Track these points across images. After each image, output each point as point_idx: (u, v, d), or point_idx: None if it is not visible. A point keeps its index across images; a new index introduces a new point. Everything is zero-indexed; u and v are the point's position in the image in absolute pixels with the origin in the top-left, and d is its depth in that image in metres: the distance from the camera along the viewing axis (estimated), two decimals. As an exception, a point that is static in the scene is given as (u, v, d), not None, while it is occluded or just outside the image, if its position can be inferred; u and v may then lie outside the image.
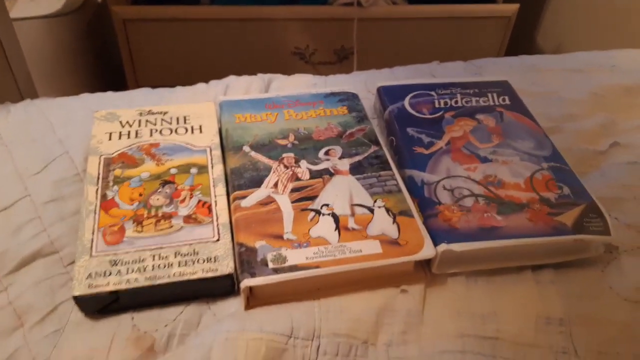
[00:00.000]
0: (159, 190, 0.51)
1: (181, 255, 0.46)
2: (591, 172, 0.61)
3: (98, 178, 0.52)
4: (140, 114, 0.59)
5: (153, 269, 0.45)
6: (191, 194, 0.51)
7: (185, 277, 0.44)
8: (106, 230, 0.47)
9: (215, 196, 0.51)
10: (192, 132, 0.58)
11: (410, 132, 0.59)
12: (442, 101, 0.64)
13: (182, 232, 0.48)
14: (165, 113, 0.60)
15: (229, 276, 0.45)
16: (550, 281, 0.49)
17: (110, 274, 0.44)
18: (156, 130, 0.57)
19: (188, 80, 0.77)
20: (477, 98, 0.65)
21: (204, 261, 0.45)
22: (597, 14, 1.34)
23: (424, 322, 0.46)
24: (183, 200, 0.50)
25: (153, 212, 0.49)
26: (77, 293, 0.43)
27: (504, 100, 0.65)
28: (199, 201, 0.50)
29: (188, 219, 0.49)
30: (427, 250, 0.46)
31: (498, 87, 0.68)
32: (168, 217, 0.49)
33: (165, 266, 0.45)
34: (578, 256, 0.50)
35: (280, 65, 1.31)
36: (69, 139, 0.59)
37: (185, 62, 1.28)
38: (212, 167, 0.54)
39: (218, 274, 0.45)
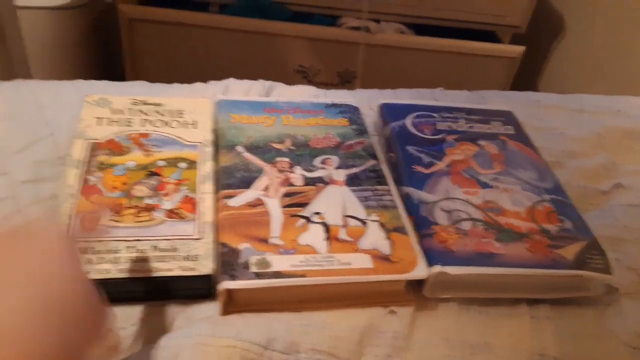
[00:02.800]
0: (143, 180, 0.49)
1: (159, 250, 0.43)
2: (592, 210, 0.59)
3: (81, 162, 0.49)
4: (134, 103, 0.57)
5: (127, 261, 0.42)
6: (177, 188, 0.48)
7: (161, 274, 0.41)
8: (83, 217, 0.44)
9: (202, 193, 0.48)
10: (186, 127, 0.55)
11: (410, 150, 0.57)
12: (444, 124, 0.62)
13: (162, 226, 0.45)
14: (159, 105, 0.57)
15: (207, 277, 0.42)
16: (546, 317, 0.46)
17: (80, 262, 0.41)
18: (148, 121, 0.55)
19: (187, 82, 0.75)
20: (481, 125, 0.64)
21: (182, 259, 0.43)
22: (600, 62, 1.35)
23: (411, 347, 0.43)
24: (167, 194, 0.48)
25: (134, 203, 0.46)
26: (42, 279, 0.40)
27: (507, 129, 0.64)
28: (185, 196, 0.48)
29: (171, 213, 0.46)
30: (420, 270, 0.44)
31: (502, 116, 0.66)
32: (150, 209, 0.46)
33: (140, 260, 0.42)
34: (576, 294, 0.48)
35: (282, 81, 1.30)
36: (56, 122, 0.57)
37: (186, 68, 1.27)
38: (202, 163, 0.51)
39: (196, 273, 0.42)
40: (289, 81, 0.76)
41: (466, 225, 0.49)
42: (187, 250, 0.43)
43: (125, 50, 1.23)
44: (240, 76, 0.73)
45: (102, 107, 0.56)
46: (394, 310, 0.44)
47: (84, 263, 0.32)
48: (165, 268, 0.42)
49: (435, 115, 0.63)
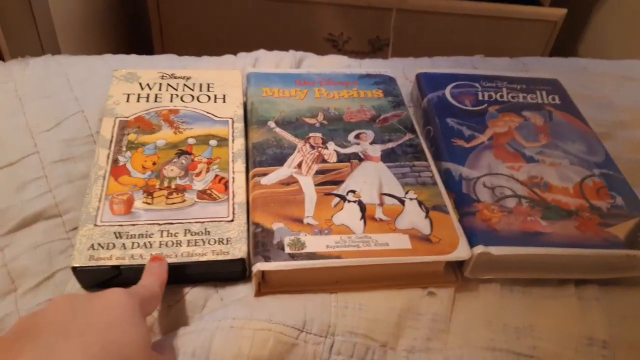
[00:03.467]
0: (174, 160, 0.47)
1: (191, 233, 0.42)
2: (643, 185, 0.55)
3: (111, 141, 0.48)
4: (162, 77, 0.55)
5: (160, 245, 0.41)
6: (208, 168, 0.47)
7: (194, 259, 0.40)
8: (114, 199, 0.44)
9: (233, 172, 0.47)
10: (215, 101, 0.54)
11: (450, 123, 0.54)
12: (486, 94, 0.59)
13: (194, 208, 0.44)
14: (188, 78, 0.56)
15: (240, 261, 0.41)
16: (594, 298, 0.44)
17: (114, 246, 0.40)
18: (177, 96, 0.54)
19: (216, 54, 0.73)
20: (525, 94, 0.60)
21: (215, 242, 0.41)
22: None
23: (451, 330, 0.41)
24: (199, 174, 0.47)
25: (166, 184, 0.45)
26: (76, 264, 0.39)
27: (553, 99, 0.60)
28: (216, 176, 0.47)
29: (202, 194, 0.45)
30: (462, 251, 0.42)
31: (548, 85, 0.62)
32: (181, 190, 0.45)
33: (173, 244, 0.41)
34: (628, 274, 0.45)
35: (312, 50, 1.27)
36: (86, 98, 0.56)
37: (215, 37, 1.24)
38: (232, 140, 0.50)
39: (229, 257, 0.41)
40: (318, 50, 0.73)
41: (510, 203, 0.46)
42: (219, 233, 0.42)
43: (153, 20, 1.21)
44: (267, 46, 0.71)
45: (131, 83, 0.54)
46: (433, 292, 0.43)
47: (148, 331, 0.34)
48: (198, 252, 0.41)
49: (475, 84, 0.60)
